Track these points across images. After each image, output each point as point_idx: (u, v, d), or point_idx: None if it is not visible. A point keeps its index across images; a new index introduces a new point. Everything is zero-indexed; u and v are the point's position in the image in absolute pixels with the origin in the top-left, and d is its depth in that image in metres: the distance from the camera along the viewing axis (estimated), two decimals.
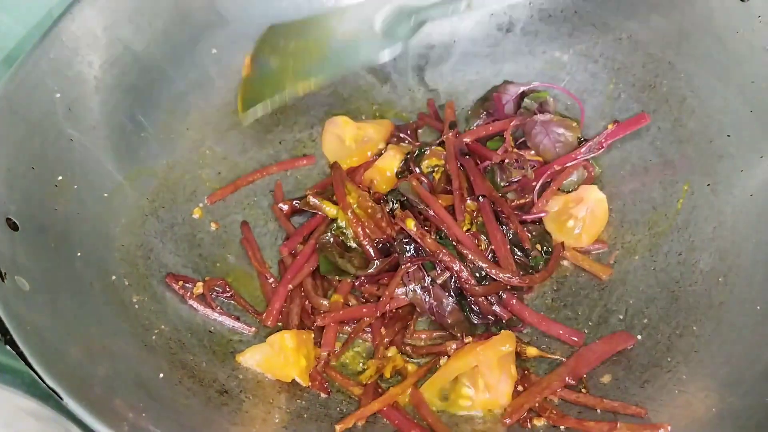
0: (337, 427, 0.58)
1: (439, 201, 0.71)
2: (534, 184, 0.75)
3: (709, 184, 0.71)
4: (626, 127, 0.74)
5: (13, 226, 0.56)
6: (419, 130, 0.82)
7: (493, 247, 0.69)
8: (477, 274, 0.67)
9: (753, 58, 0.69)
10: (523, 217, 0.72)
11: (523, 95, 0.79)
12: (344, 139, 0.79)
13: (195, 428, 0.52)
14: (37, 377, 0.45)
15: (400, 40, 0.70)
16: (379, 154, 0.78)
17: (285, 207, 0.76)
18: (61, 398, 0.45)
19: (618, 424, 0.56)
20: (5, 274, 0.50)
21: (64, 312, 0.55)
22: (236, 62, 0.82)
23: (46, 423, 0.62)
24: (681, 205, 0.72)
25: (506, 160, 0.74)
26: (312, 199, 0.74)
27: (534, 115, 0.77)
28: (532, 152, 0.76)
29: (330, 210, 0.73)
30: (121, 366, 0.54)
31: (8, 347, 0.45)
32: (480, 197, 0.71)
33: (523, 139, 0.77)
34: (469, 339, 0.64)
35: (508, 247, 0.70)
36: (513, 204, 0.74)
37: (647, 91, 0.78)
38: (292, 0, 0.84)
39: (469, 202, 0.71)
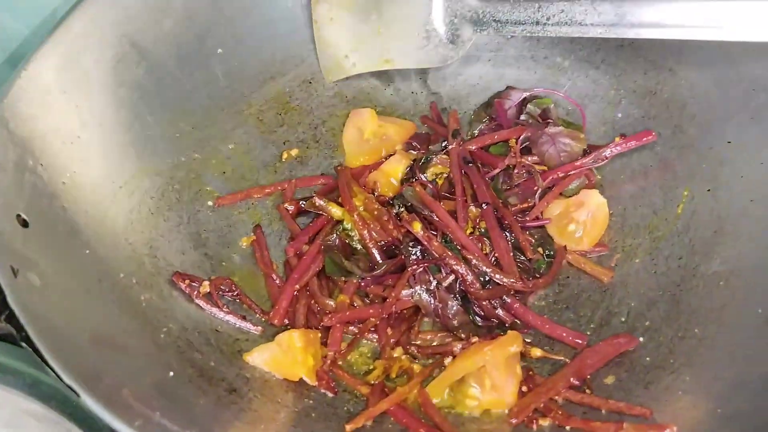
0: (347, 427, 0.58)
1: (444, 206, 0.72)
2: (535, 188, 0.76)
3: (709, 190, 0.72)
4: (630, 143, 0.75)
5: (24, 223, 0.56)
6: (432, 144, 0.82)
7: (497, 254, 0.70)
8: (481, 278, 0.68)
9: (754, 65, 0.70)
10: (526, 224, 0.73)
11: (525, 101, 0.80)
12: (364, 132, 0.80)
13: (207, 427, 0.52)
14: (54, 374, 0.45)
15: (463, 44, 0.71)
16: (392, 155, 0.78)
17: (291, 207, 0.76)
18: (78, 395, 0.45)
19: (624, 425, 0.57)
20: (17, 270, 0.50)
21: (75, 309, 0.55)
22: (241, 62, 0.82)
23: (47, 424, 0.62)
24: (681, 210, 0.73)
25: (515, 169, 0.75)
26: (318, 201, 0.74)
27: (537, 122, 0.78)
28: (535, 158, 0.77)
29: (336, 212, 0.73)
30: (131, 364, 0.54)
31: (23, 344, 0.45)
32: (483, 204, 0.71)
33: (526, 144, 0.78)
34: (475, 339, 0.65)
35: (511, 253, 0.71)
36: (515, 208, 0.75)
37: (648, 97, 0.79)
38: (297, 2, 0.85)
39: (472, 208, 0.71)
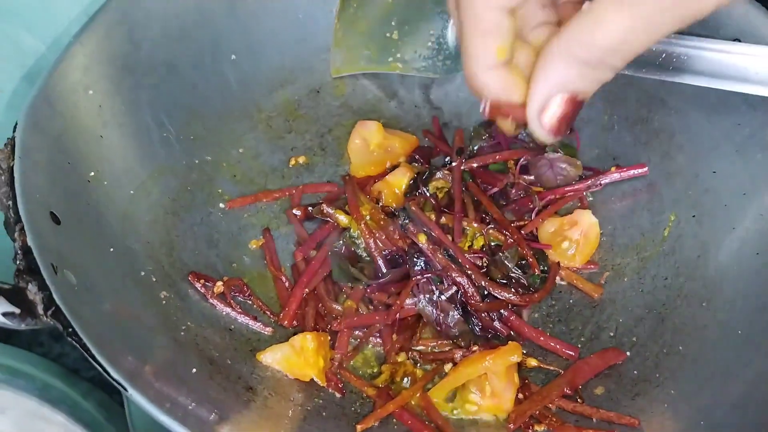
0: (358, 427, 0.62)
1: (444, 220, 0.76)
2: (531, 206, 0.80)
3: (694, 216, 0.77)
4: (625, 173, 0.81)
5: (56, 220, 0.58)
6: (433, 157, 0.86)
7: None
8: (481, 291, 0.72)
9: (741, 101, 0.75)
10: (531, 244, 0.77)
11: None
12: (369, 143, 0.83)
13: (234, 420, 0.55)
14: (101, 369, 0.47)
15: None
16: (396, 167, 0.81)
17: (298, 213, 0.79)
18: (126, 390, 0.47)
19: None
20: (57, 267, 0.52)
21: (106, 306, 0.57)
22: (253, 68, 0.85)
23: (57, 427, 0.65)
24: (668, 233, 0.78)
25: (513, 188, 0.79)
26: (326, 208, 0.77)
27: (534, 142, 0.82)
28: (531, 178, 0.81)
29: (343, 220, 0.77)
30: (159, 360, 0.57)
31: (71, 339, 0.47)
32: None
33: (523, 163, 0.82)
34: (475, 348, 0.69)
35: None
36: (513, 225, 0.79)
37: (640, 125, 0.84)
38: (308, 13, 0.88)
39: (475, 225, 0.75)
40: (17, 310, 0.46)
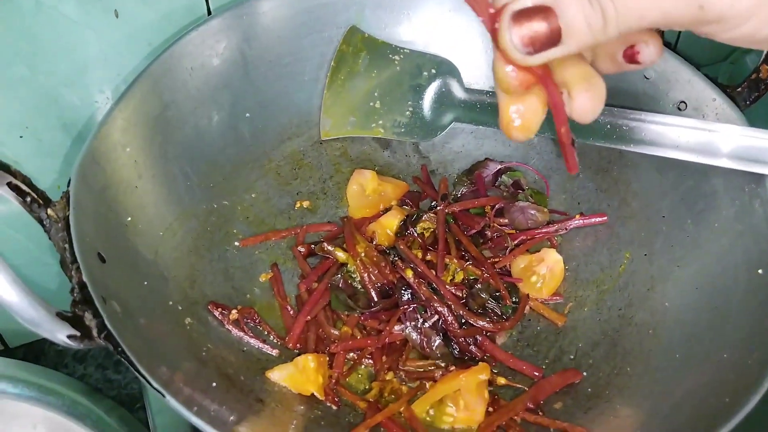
0: None
1: (429, 256, 0.88)
2: (505, 245, 0.92)
3: (645, 254, 0.88)
4: (588, 220, 0.93)
5: (102, 259, 0.70)
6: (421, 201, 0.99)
7: None
8: (459, 319, 0.84)
9: None
10: (504, 279, 0.89)
11: (500, 171, 0.97)
12: (365, 189, 0.95)
13: (247, 425, 0.67)
14: (143, 379, 0.59)
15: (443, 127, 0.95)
16: (388, 210, 0.94)
17: (302, 249, 0.92)
18: (164, 395, 0.59)
19: None
20: (105, 298, 0.65)
21: (143, 330, 0.69)
22: (264, 124, 0.98)
23: None
24: (623, 269, 0.89)
25: (489, 230, 0.91)
26: (326, 246, 0.90)
27: (509, 191, 0.95)
28: (506, 221, 0.93)
29: (341, 256, 0.89)
30: (186, 374, 0.69)
31: (119, 356, 0.59)
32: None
33: (499, 208, 0.94)
34: (452, 368, 0.80)
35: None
36: (489, 261, 0.91)
37: (601, 174, 0.96)
38: (312, 76, 1.00)
39: (456, 261, 0.87)
40: (78, 333, 0.58)
